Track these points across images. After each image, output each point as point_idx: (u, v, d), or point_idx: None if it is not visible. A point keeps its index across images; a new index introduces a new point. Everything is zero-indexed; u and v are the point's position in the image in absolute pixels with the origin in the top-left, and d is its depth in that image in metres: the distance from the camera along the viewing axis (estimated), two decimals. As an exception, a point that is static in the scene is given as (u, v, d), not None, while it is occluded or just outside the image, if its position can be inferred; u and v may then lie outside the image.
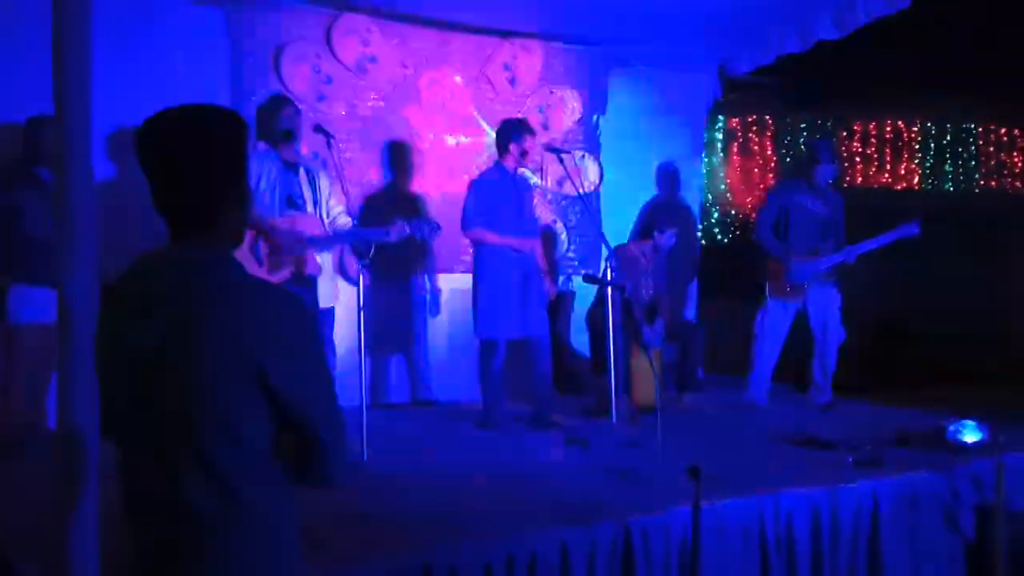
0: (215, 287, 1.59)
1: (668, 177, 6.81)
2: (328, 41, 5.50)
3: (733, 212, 8.64)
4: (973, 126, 9.58)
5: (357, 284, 4.25)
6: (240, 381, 1.55)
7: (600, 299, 5.20)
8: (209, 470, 1.57)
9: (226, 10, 5.25)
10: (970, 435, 4.41)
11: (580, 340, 6.11)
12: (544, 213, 6.16)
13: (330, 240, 4.48)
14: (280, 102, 4.54)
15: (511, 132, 5.04)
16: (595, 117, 6.47)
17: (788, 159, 8.69)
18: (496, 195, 4.99)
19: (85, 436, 2.31)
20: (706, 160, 7.66)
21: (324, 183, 4.62)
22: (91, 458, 2.32)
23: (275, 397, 1.58)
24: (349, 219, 4.58)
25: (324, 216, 4.54)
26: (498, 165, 5.11)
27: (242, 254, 4.06)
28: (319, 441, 1.64)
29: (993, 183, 9.61)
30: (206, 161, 1.63)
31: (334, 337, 4.65)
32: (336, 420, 1.68)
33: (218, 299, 1.58)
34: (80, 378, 2.24)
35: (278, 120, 4.43)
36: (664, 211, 5.97)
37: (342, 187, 4.31)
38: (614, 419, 4.62)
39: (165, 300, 1.58)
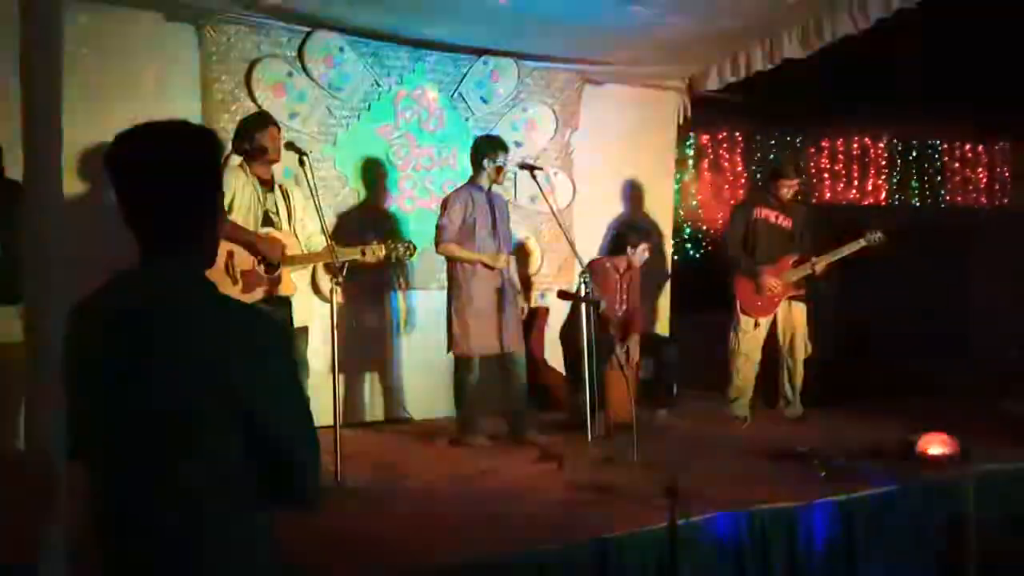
0: (187, 307, 1.58)
1: (636, 193, 6.86)
2: (301, 58, 5.48)
3: (704, 228, 8.70)
4: (939, 142, 9.73)
5: (331, 303, 4.22)
6: (211, 402, 1.53)
7: (575, 315, 5.20)
8: (180, 490, 1.54)
9: (198, 26, 5.22)
10: (939, 447, 4.47)
11: (555, 356, 6.11)
12: (518, 229, 6.17)
13: (305, 259, 4.45)
14: (266, 121, 4.45)
15: (484, 149, 5.06)
16: (568, 134, 6.50)
17: (758, 175, 8.78)
18: (470, 212, 5.00)
19: (53, 456, 2.27)
20: (677, 176, 7.71)
21: (298, 201, 4.59)
22: (60, 477, 2.28)
23: (248, 418, 1.56)
24: (323, 238, 4.55)
25: (298, 234, 4.51)
26: (472, 182, 5.11)
27: (216, 273, 4.02)
28: (293, 463, 1.62)
29: (959, 198, 9.77)
30: (178, 180, 1.61)
31: (308, 356, 4.61)
32: (310, 441, 1.67)
33: (190, 319, 1.56)
34: (48, 398, 2.21)
35: (261, 139, 4.37)
36: (635, 227, 5.99)
37: (316, 205, 4.29)
38: (590, 435, 4.61)
39: (136, 320, 1.56)
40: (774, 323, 5.81)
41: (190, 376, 1.52)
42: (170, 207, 1.61)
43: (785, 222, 5.80)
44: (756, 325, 5.76)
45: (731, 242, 5.86)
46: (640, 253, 5.73)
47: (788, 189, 5.78)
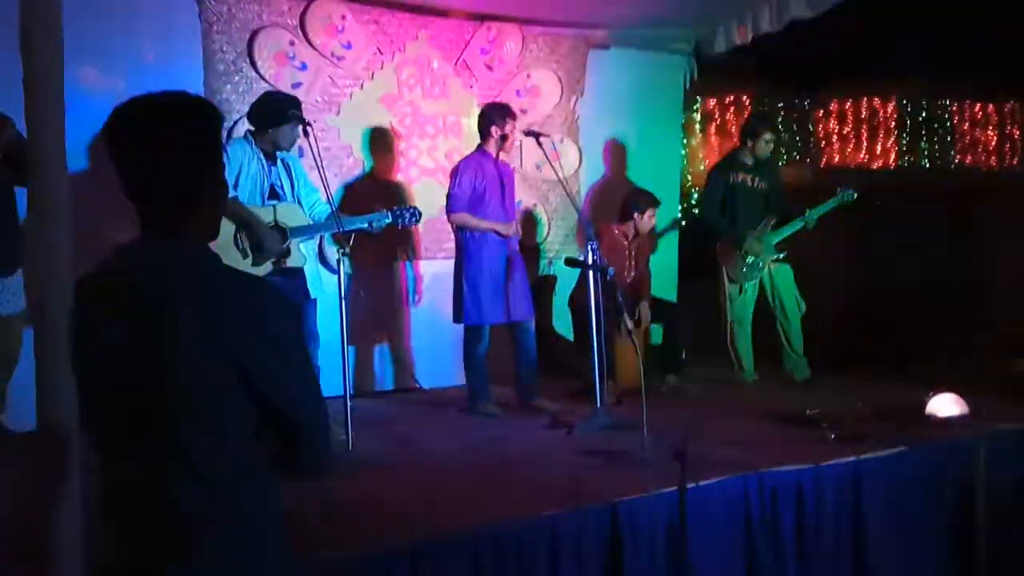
0: (190, 280, 1.57)
1: (644, 159, 6.80)
2: (302, 27, 5.42)
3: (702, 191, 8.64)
4: (948, 103, 9.61)
5: (338, 273, 4.21)
6: (218, 375, 1.53)
7: (583, 283, 5.17)
8: (189, 464, 1.54)
9: (199, -4, 5.16)
10: (950, 409, 4.45)
11: (563, 324, 6.10)
12: (525, 197, 6.13)
13: (312, 229, 4.43)
14: (288, 117, 4.30)
15: (492, 117, 5.01)
16: (573, 100, 6.44)
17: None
18: (479, 180, 4.96)
19: (66, 431, 2.28)
20: (684, 141, 7.64)
21: (302, 172, 4.56)
22: (73, 453, 2.29)
23: (256, 391, 1.56)
24: (329, 208, 4.53)
25: (303, 205, 4.49)
26: (480, 150, 5.07)
27: (225, 244, 4.01)
28: (303, 432, 1.63)
29: (968, 159, 9.67)
30: (178, 152, 1.59)
31: (317, 327, 4.60)
32: (319, 411, 1.67)
33: (193, 293, 1.55)
34: (58, 373, 2.21)
35: (276, 135, 4.29)
36: (642, 193, 5.96)
37: (321, 176, 4.25)
38: (599, 402, 4.61)
39: (140, 294, 1.55)
40: (763, 287, 5.80)
41: (196, 348, 1.51)
42: (171, 180, 1.60)
43: (760, 184, 5.79)
44: (741, 291, 5.75)
45: (709, 209, 5.87)
46: (647, 219, 5.70)
47: (766, 144, 5.75)
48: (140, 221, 1.62)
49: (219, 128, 1.70)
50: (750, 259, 5.71)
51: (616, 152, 6.67)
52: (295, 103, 4.42)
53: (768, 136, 5.78)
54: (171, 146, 1.58)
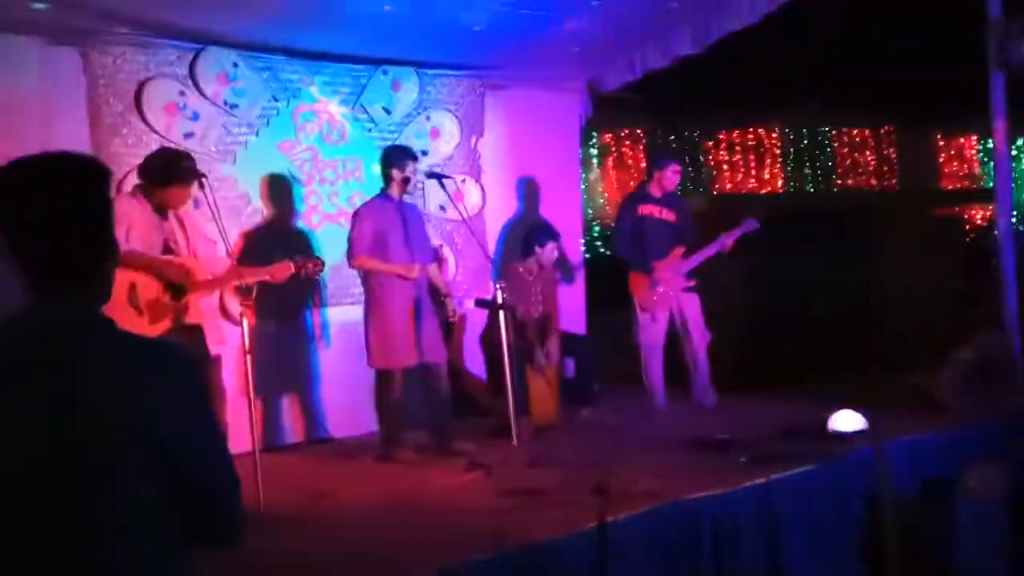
0: (87, 349, 1.49)
1: (544, 195, 6.89)
2: (192, 76, 5.29)
3: (613, 224, 8.81)
4: (828, 129, 10.10)
5: (241, 326, 4.09)
6: (122, 445, 1.45)
7: (493, 322, 5.17)
8: (91, 541, 1.45)
9: (83, 50, 4.98)
10: (851, 424, 4.61)
11: (475, 363, 6.07)
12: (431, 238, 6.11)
13: (212, 284, 4.29)
14: (183, 176, 4.17)
15: (392, 159, 4.99)
16: (473, 140, 6.48)
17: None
18: (381, 223, 4.92)
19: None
20: (583, 175, 7.78)
21: (197, 225, 4.42)
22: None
23: (164, 460, 1.48)
24: (228, 260, 4.40)
25: (200, 259, 4.34)
26: (382, 193, 5.04)
27: (118, 305, 3.83)
28: (213, 499, 1.57)
29: (850, 181, 10.16)
30: (63, 214, 1.52)
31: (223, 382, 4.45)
32: (230, 475, 1.61)
33: (93, 361, 1.47)
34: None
35: (166, 195, 4.15)
36: (541, 227, 6.02)
37: (219, 227, 4.13)
38: (515, 441, 4.59)
39: (34, 367, 1.46)
40: (672, 316, 5.93)
41: (96, 423, 1.44)
42: (58, 244, 1.52)
43: (668, 215, 5.96)
44: (654, 319, 5.87)
45: (620, 241, 5.99)
46: (548, 252, 5.75)
47: (673, 175, 5.93)
48: (27, 287, 1.54)
49: (106, 186, 1.63)
50: (661, 288, 5.82)
51: (518, 189, 6.73)
52: (187, 160, 4.27)
53: (674, 168, 5.95)
54: (56, 208, 1.51)
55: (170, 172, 4.16)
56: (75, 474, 1.44)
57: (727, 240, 5.85)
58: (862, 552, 4.19)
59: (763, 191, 9.79)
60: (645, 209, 5.93)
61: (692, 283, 5.89)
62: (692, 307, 5.90)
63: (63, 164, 1.56)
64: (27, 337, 1.50)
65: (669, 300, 5.87)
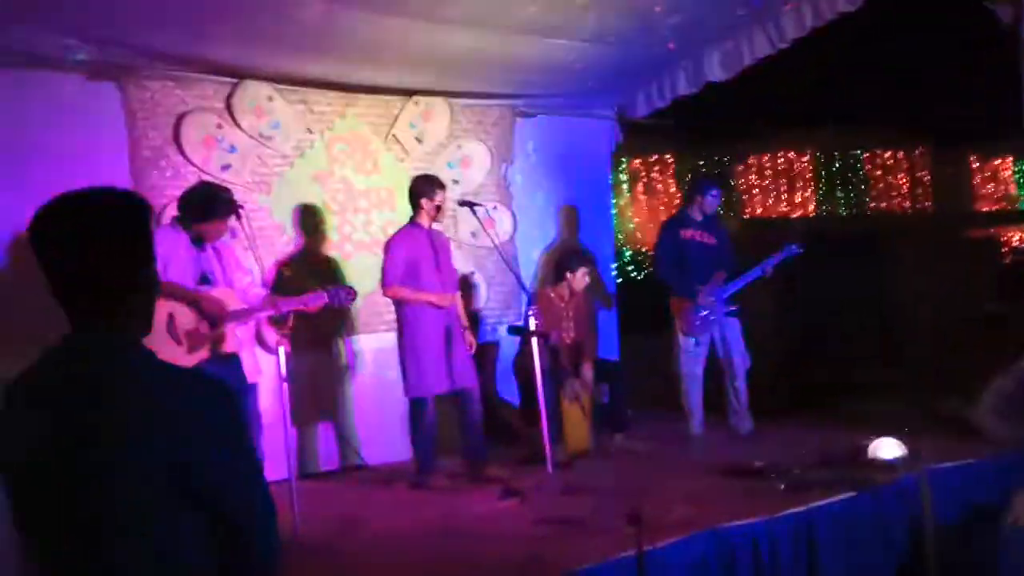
0: (123, 379, 1.51)
1: (575, 221, 6.89)
2: (229, 110, 5.38)
3: (644, 249, 8.79)
4: (860, 152, 10.01)
5: (277, 355, 4.12)
6: (155, 478, 1.46)
7: (526, 348, 5.16)
8: (132, 573, 1.46)
9: (121, 84, 5.09)
10: (890, 451, 4.52)
11: (508, 389, 6.06)
12: (463, 265, 6.13)
13: (247, 313, 4.33)
14: (221, 211, 4.23)
15: (422, 189, 5.03)
16: (504, 168, 6.51)
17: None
18: (412, 252, 4.95)
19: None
20: (614, 201, 7.78)
21: (233, 256, 4.48)
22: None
23: (195, 492, 1.49)
24: (263, 290, 4.45)
25: (236, 289, 4.39)
26: (413, 223, 5.07)
27: (158, 335, 3.88)
28: (247, 532, 1.57)
29: (884, 204, 10.05)
30: (107, 249, 1.55)
31: (259, 411, 4.48)
32: (264, 508, 1.60)
33: (129, 392, 1.49)
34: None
35: (204, 229, 4.22)
36: (572, 253, 6.01)
37: (255, 257, 4.19)
38: (549, 468, 4.56)
39: (72, 396, 1.49)
40: (713, 341, 5.88)
41: (130, 453, 1.45)
42: (100, 278, 1.55)
43: (710, 240, 5.92)
44: (696, 344, 5.82)
45: (662, 265, 5.95)
46: (580, 278, 5.73)
47: (713, 199, 5.89)
48: (69, 320, 1.56)
49: (147, 220, 1.65)
50: (703, 312, 5.78)
51: (549, 216, 6.75)
52: (225, 194, 4.33)
53: (715, 192, 5.92)
54: (99, 243, 1.54)
55: (209, 206, 4.22)
56: (107, 503, 1.45)
57: (768, 265, 5.80)
58: (904, 581, 4.10)
59: (794, 215, 9.72)
60: (687, 233, 5.89)
61: (733, 307, 5.84)
62: (733, 331, 5.85)
63: (105, 200, 1.59)
64: (65, 366, 1.53)
65: (711, 325, 5.82)
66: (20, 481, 1.52)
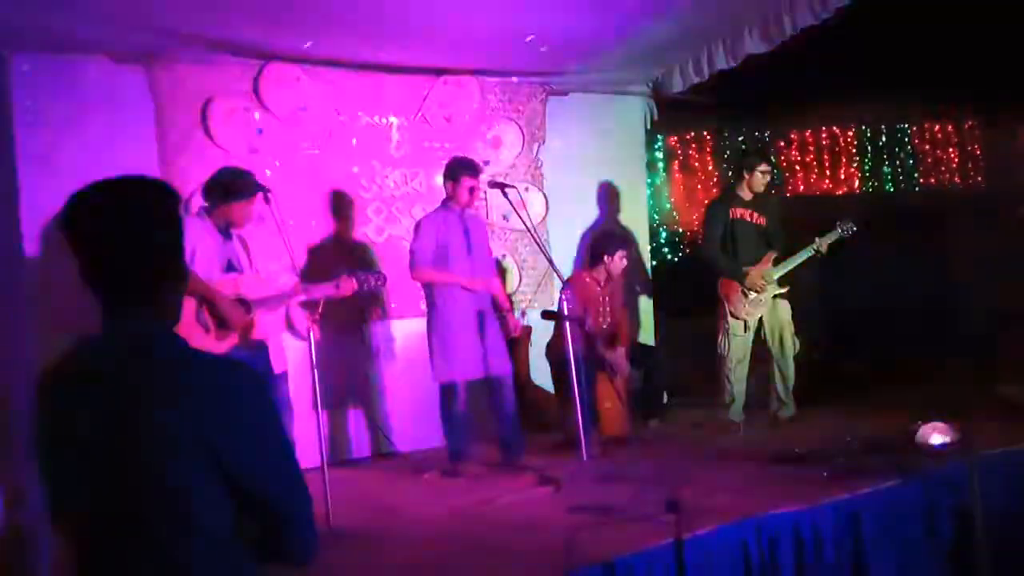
0: (158, 367, 1.56)
1: (610, 201, 6.86)
2: (256, 92, 5.44)
3: (680, 230, 8.72)
4: (907, 126, 9.82)
5: (308, 341, 4.17)
6: (193, 465, 1.51)
7: (559, 332, 5.17)
8: (166, 561, 1.51)
9: (148, 67, 5.16)
10: (939, 437, 4.47)
11: (540, 375, 6.08)
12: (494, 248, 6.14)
13: (276, 300, 4.38)
14: (243, 191, 4.25)
15: (455, 171, 5.03)
16: (536, 148, 6.50)
17: (729, 173, 8.82)
18: (443, 235, 4.97)
19: (33, 533, 2.21)
20: (649, 180, 7.73)
21: (261, 243, 4.52)
22: (40, 556, 2.22)
23: (231, 477, 1.54)
24: (293, 275, 4.50)
25: (262, 276, 4.44)
26: (444, 205, 5.09)
27: (187, 323, 3.95)
28: (284, 518, 1.61)
29: (932, 180, 9.86)
30: (137, 238, 1.59)
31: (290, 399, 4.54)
32: (300, 495, 1.64)
33: (163, 380, 1.54)
34: (21, 474, 2.15)
35: (231, 211, 4.24)
36: (610, 235, 5.98)
37: (284, 242, 4.23)
38: (584, 454, 4.57)
39: (108, 385, 1.53)
40: (761, 324, 5.82)
41: (167, 441, 1.49)
42: (131, 267, 1.59)
43: (759, 219, 5.83)
44: (745, 328, 5.76)
45: (710, 244, 5.86)
46: (618, 261, 5.72)
47: (762, 176, 5.80)
48: (102, 308, 1.60)
49: (177, 209, 1.69)
50: (753, 295, 5.72)
51: (582, 197, 6.72)
52: (246, 175, 4.36)
53: (763, 168, 5.80)
54: (131, 230, 1.58)
55: (230, 187, 4.26)
56: (139, 489, 1.50)
57: (822, 244, 5.72)
58: (952, 571, 4.06)
59: (838, 192, 9.58)
60: (736, 212, 5.80)
61: (784, 289, 5.78)
62: (783, 314, 5.79)
63: (135, 189, 1.63)
64: (99, 357, 1.58)
65: (760, 308, 5.76)
66: (63, 470, 1.57)
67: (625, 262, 5.78)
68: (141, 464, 1.49)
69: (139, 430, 1.49)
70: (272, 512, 1.59)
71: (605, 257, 5.71)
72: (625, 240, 5.98)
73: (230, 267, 4.29)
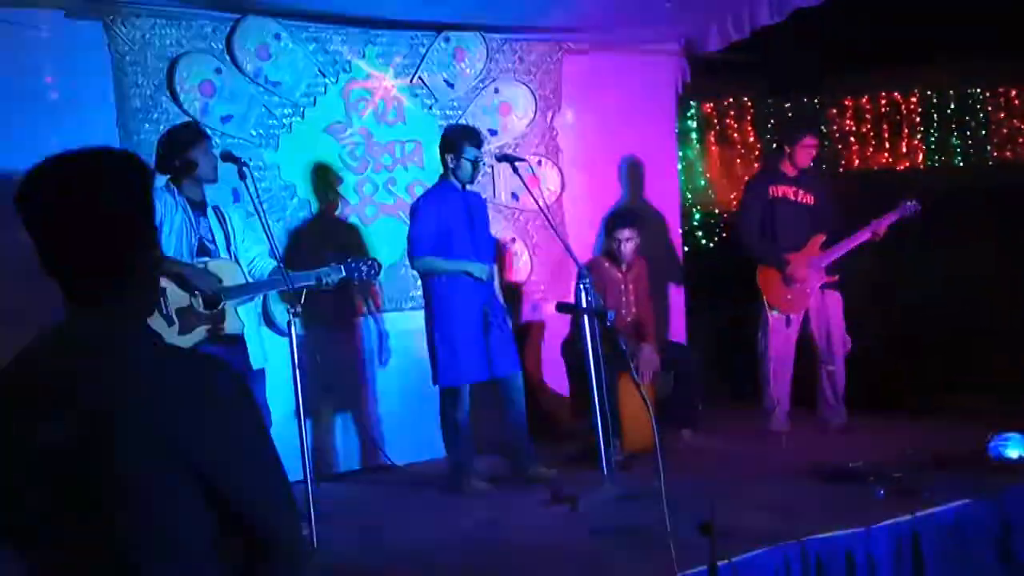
0: (128, 368, 1.57)
1: (635, 177, 6.85)
2: (229, 51, 5.45)
3: (717, 211, 8.71)
4: (979, 91, 9.78)
5: (288, 337, 4.19)
6: (168, 475, 1.53)
7: (577, 329, 5.18)
8: (131, 569, 1.53)
9: (107, 21, 5.17)
10: (1016, 450, 4.48)
11: (553, 377, 6.10)
12: (502, 231, 6.15)
13: (251, 288, 4.40)
14: (197, 134, 4.37)
15: (455, 142, 5.03)
16: (550, 116, 6.50)
17: (773, 145, 8.81)
18: (444, 216, 4.97)
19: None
20: (681, 153, 7.72)
21: (237, 222, 4.54)
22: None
23: (209, 488, 1.55)
24: (272, 261, 4.51)
25: (240, 261, 4.46)
26: (443, 181, 5.09)
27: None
28: (267, 533, 1.62)
29: (1008, 154, 9.82)
30: (104, 216, 1.59)
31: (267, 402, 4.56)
32: (285, 504, 1.67)
33: (135, 382, 1.55)
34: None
35: (192, 154, 4.29)
36: (619, 213, 5.96)
37: (262, 223, 4.24)
38: (604, 468, 4.59)
39: (74, 387, 1.54)
40: (807, 318, 5.81)
41: (140, 450, 1.51)
42: (98, 249, 1.60)
43: (806, 198, 5.81)
44: (788, 323, 5.75)
45: (746, 228, 5.85)
46: (624, 242, 5.69)
47: (807, 150, 5.78)
48: (64, 297, 1.61)
49: (149, 185, 1.70)
50: (797, 285, 5.70)
51: (603, 172, 6.72)
52: (190, 124, 4.48)
53: (809, 140, 5.79)
54: (97, 210, 1.59)
55: (175, 143, 4.29)
56: (114, 508, 1.52)
57: (880, 226, 5.69)
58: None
59: (899, 167, 9.56)
60: (778, 190, 5.79)
61: (834, 278, 5.76)
62: (833, 307, 5.77)
63: (104, 163, 1.63)
64: (62, 353, 1.59)
65: (806, 299, 5.75)
66: (19, 479, 1.57)
67: (632, 243, 5.74)
68: (111, 478, 1.51)
69: (107, 440, 1.50)
70: (254, 527, 1.60)
71: (608, 238, 5.72)
72: (634, 218, 5.90)
73: (202, 248, 4.31)
